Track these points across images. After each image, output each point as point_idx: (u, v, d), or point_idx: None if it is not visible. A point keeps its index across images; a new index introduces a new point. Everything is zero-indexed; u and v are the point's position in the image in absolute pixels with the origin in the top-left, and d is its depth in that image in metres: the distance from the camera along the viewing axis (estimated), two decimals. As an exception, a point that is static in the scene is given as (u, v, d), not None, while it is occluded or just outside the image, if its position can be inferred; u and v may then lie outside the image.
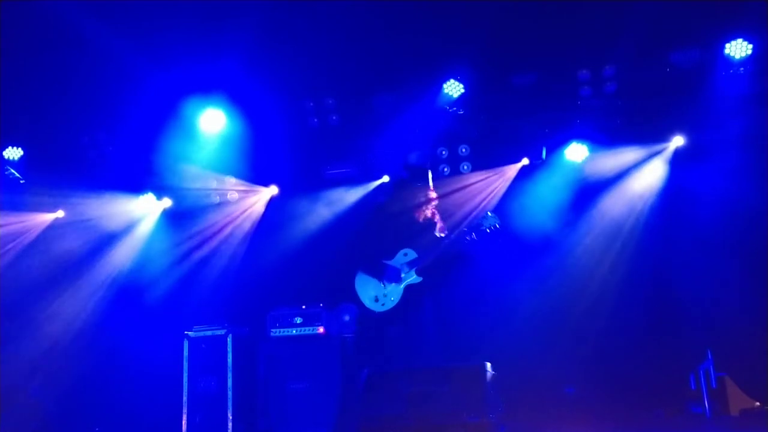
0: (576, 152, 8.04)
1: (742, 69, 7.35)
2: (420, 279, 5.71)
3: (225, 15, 7.30)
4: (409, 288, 5.73)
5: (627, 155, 8.07)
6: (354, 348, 5.87)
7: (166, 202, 9.36)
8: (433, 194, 6.09)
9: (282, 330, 7.69)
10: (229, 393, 7.53)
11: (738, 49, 7.22)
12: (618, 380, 7.42)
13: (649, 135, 7.98)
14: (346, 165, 8.75)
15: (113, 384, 8.59)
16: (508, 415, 6.53)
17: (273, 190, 9.11)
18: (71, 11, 7.03)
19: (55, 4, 6.98)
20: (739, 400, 6.77)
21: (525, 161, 8.36)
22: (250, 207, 9.19)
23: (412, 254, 5.77)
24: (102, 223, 9.20)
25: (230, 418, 7.46)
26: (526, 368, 7.32)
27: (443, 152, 8.46)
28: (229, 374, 7.60)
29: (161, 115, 8.27)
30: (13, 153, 8.88)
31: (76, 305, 8.98)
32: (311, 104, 8.41)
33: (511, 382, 6.78)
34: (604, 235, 8.02)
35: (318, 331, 7.58)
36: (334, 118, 8.45)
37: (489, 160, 8.45)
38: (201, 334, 7.81)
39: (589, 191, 8.13)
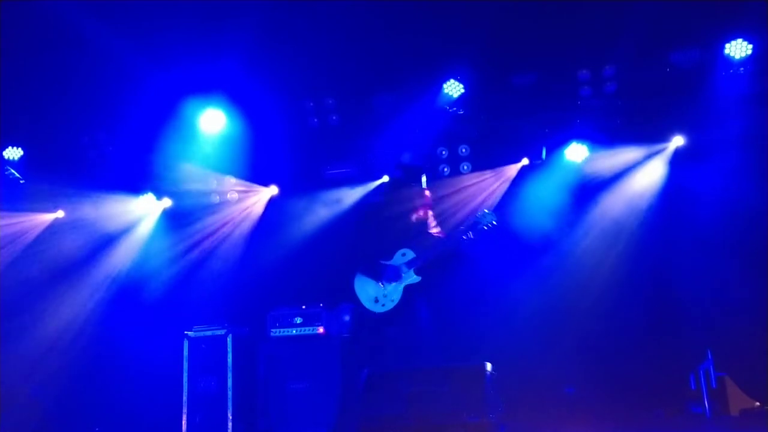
0: (576, 152, 8.04)
1: (742, 69, 7.35)
2: (419, 279, 5.69)
3: (225, 15, 7.30)
4: (408, 288, 5.72)
5: (627, 155, 8.07)
6: (354, 348, 5.85)
7: (166, 202, 9.37)
8: (427, 193, 6.07)
9: (282, 330, 7.69)
10: (229, 393, 7.53)
11: (738, 49, 7.23)
12: (618, 380, 7.42)
13: (649, 135, 7.98)
14: (346, 165, 8.76)
15: (113, 384, 8.59)
16: (508, 415, 6.52)
17: (273, 190, 9.11)
18: (71, 11, 7.03)
19: (55, 4, 6.98)
20: (739, 400, 6.77)
21: (525, 161, 8.37)
22: (250, 207, 9.19)
23: (410, 254, 5.75)
24: (102, 223, 9.20)
25: (230, 418, 7.46)
26: (526, 368, 7.32)
27: (443, 152, 8.47)
28: (229, 374, 7.60)
29: (161, 115, 8.27)
30: (13, 153, 8.89)
31: (76, 305, 8.98)
32: (311, 104, 8.41)
33: (511, 382, 6.77)
34: (604, 235, 8.02)
35: (318, 331, 7.58)
36: (334, 118, 8.46)
37: (489, 160, 8.45)
38: (201, 334, 7.81)
39: (588, 191, 8.13)
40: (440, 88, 7.91)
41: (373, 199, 7.77)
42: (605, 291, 7.75)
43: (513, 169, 8.39)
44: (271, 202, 9.12)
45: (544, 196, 8.07)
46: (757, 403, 6.75)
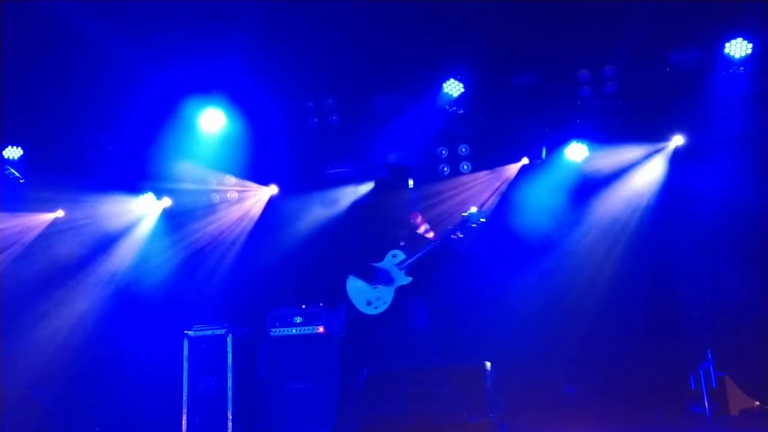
0: (576, 152, 8.03)
1: (741, 69, 7.35)
2: (410, 279, 5.66)
3: (225, 15, 7.30)
4: (408, 288, 5.71)
5: (627, 155, 8.07)
6: (353, 348, 5.85)
7: (166, 202, 9.37)
8: (414, 194, 6.07)
9: (282, 330, 7.69)
10: (229, 393, 7.53)
11: (738, 48, 7.22)
12: (618, 380, 7.41)
13: (649, 135, 7.98)
14: (346, 165, 8.76)
15: (113, 384, 8.59)
16: (508, 415, 6.52)
17: (273, 189, 9.11)
18: (71, 11, 7.03)
19: (55, 4, 6.98)
20: (739, 400, 6.76)
21: (525, 161, 8.36)
22: (250, 207, 9.19)
23: (400, 255, 5.73)
24: (102, 223, 9.21)
25: (230, 418, 7.46)
26: (526, 368, 7.31)
27: (443, 152, 8.47)
28: (229, 374, 7.59)
29: (161, 115, 8.28)
30: (13, 153, 8.89)
31: (76, 305, 8.98)
32: (311, 104, 8.42)
33: (511, 382, 6.76)
34: (603, 235, 8.02)
35: (318, 331, 7.58)
36: (334, 118, 8.46)
37: (489, 159, 8.45)
38: (201, 333, 7.81)
39: (588, 191, 8.13)
40: (440, 87, 7.91)
41: (363, 201, 7.76)
42: (605, 291, 7.75)
43: (513, 169, 8.39)
44: (271, 202, 9.12)
45: (544, 196, 8.07)
46: (757, 403, 6.75)
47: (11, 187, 8.99)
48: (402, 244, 5.74)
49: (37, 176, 8.98)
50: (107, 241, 9.24)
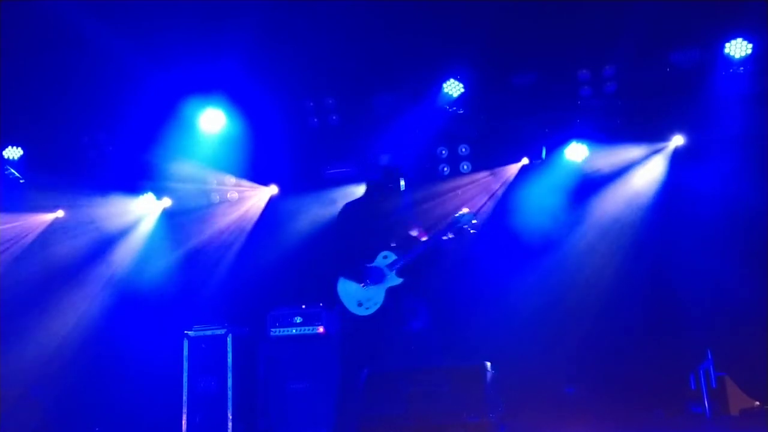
0: (576, 152, 8.04)
1: (741, 69, 7.35)
2: (401, 280, 5.64)
3: (225, 15, 7.30)
4: (400, 288, 5.69)
5: (627, 155, 8.07)
6: (353, 348, 5.83)
7: (166, 202, 9.37)
8: (408, 196, 6.06)
9: (282, 330, 7.69)
10: (229, 393, 7.52)
11: (738, 48, 7.23)
12: (618, 380, 7.41)
13: (649, 135, 7.98)
14: (346, 165, 8.76)
15: (113, 384, 8.59)
16: (508, 415, 6.53)
17: (273, 189, 9.11)
18: (71, 11, 7.03)
19: (55, 4, 6.98)
20: (739, 400, 6.77)
21: (525, 161, 8.37)
22: (250, 206, 9.19)
23: (391, 256, 5.72)
24: (102, 223, 9.21)
25: (230, 418, 7.46)
26: (526, 368, 7.31)
27: (443, 152, 8.47)
28: (229, 374, 7.59)
29: (161, 115, 8.28)
30: (13, 153, 8.89)
31: (76, 305, 8.98)
32: (311, 104, 8.42)
33: (511, 382, 6.77)
34: (603, 235, 8.01)
35: (318, 331, 7.58)
36: (334, 118, 8.46)
37: (489, 159, 8.46)
38: (201, 333, 7.80)
39: (588, 191, 8.13)
40: (440, 87, 7.91)
41: (355, 201, 7.78)
42: (605, 291, 7.75)
43: (513, 169, 8.40)
44: (271, 202, 9.12)
45: (544, 196, 8.07)
46: (757, 403, 6.75)
47: (11, 187, 8.99)
48: (393, 245, 5.72)
49: (37, 176, 8.98)
50: (107, 241, 9.25)
